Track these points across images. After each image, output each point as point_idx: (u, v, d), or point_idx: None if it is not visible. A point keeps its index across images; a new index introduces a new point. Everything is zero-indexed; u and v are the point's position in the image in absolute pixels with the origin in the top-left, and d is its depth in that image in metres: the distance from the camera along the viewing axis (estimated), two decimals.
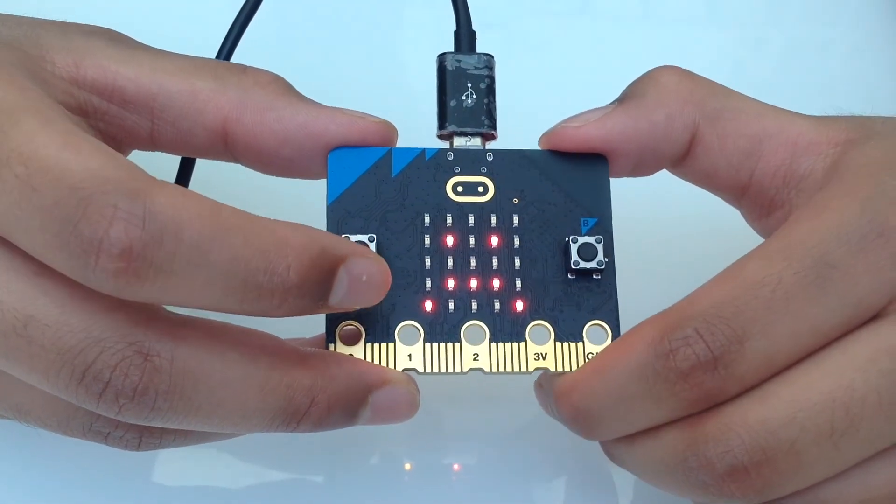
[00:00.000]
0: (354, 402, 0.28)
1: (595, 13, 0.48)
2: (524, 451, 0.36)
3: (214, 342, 0.26)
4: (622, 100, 0.31)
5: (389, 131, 0.30)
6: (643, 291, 0.32)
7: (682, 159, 0.32)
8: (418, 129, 0.32)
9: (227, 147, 0.30)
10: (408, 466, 0.36)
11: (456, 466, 0.37)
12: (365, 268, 0.27)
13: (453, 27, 0.32)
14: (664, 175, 0.33)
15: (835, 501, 0.27)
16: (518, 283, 0.30)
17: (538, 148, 0.31)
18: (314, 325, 0.30)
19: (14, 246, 0.25)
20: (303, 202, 0.34)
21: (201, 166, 0.33)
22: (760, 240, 0.31)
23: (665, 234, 0.40)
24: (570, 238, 0.30)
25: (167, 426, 0.26)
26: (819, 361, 0.27)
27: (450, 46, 0.32)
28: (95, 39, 0.30)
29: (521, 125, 0.32)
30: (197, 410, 0.26)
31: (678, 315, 0.27)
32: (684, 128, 0.31)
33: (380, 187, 0.30)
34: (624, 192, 0.32)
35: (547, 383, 0.30)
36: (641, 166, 0.32)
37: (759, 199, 0.31)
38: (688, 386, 0.27)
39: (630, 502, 0.36)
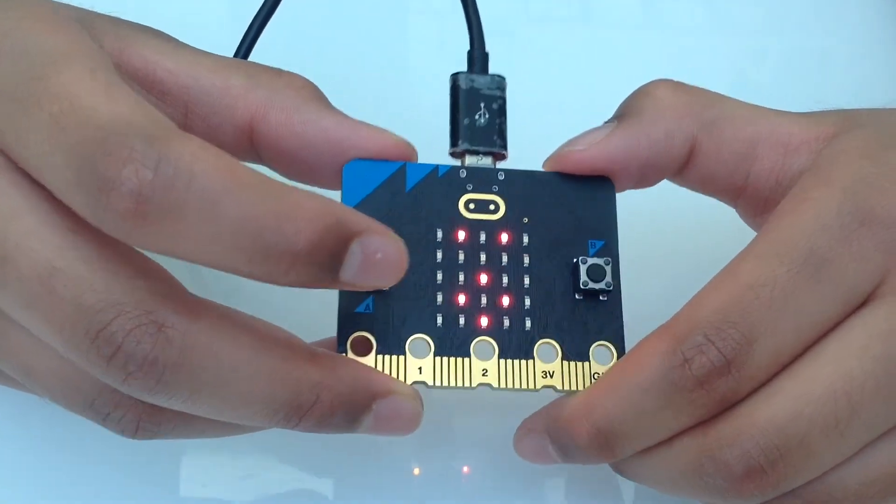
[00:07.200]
0: (358, 406, 0.28)
1: (596, 21, 0.49)
2: None
3: (229, 324, 0.27)
4: (620, 118, 0.32)
5: (408, 151, 0.31)
6: (640, 304, 0.32)
7: (682, 169, 0.32)
8: (426, 146, 0.32)
9: (253, 146, 0.31)
10: (416, 472, 0.37)
11: (465, 469, 0.37)
12: (381, 245, 0.26)
13: (461, 41, 0.32)
14: (660, 187, 0.33)
15: (838, 485, 0.28)
16: (527, 301, 0.30)
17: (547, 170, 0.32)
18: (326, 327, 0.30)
19: (54, 198, 0.26)
20: None
21: None
22: None
23: (658, 246, 0.41)
24: (580, 259, 0.31)
25: (170, 405, 0.26)
26: (817, 354, 0.28)
27: (458, 62, 0.32)
28: (142, 32, 0.30)
29: (520, 131, 0.32)
30: (201, 389, 0.26)
31: (685, 324, 0.28)
32: (684, 141, 0.31)
33: (393, 201, 0.31)
34: (623, 208, 0.32)
35: (541, 421, 0.30)
36: (643, 181, 0.32)
37: (754, 199, 0.32)
38: (704, 392, 0.27)
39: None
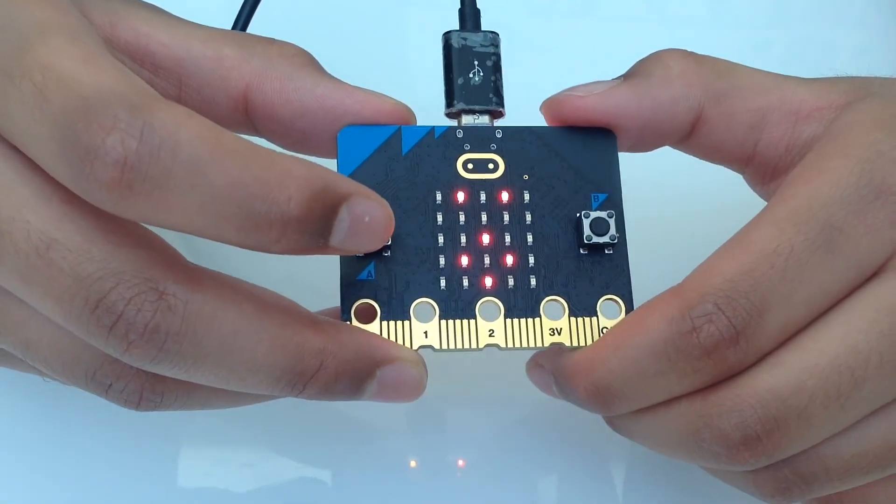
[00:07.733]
0: (362, 373, 0.28)
1: (599, 14, 0.48)
2: (528, 445, 0.36)
3: (231, 292, 0.26)
4: (628, 76, 0.31)
5: (406, 115, 0.30)
6: (650, 264, 0.32)
7: (686, 138, 0.32)
8: (423, 109, 0.31)
9: (248, 116, 0.30)
10: (413, 464, 0.36)
11: (461, 462, 0.37)
12: (368, 208, 0.26)
13: (456, 5, 0.32)
14: (668, 149, 0.33)
15: (832, 455, 0.28)
16: (531, 259, 0.30)
17: (546, 124, 0.31)
18: (328, 298, 0.30)
19: (45, 173, 0.25)
20: None
21: None
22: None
23: (668, 208, 0.40)
24: (582, 213, 0.30)
25: (173, 374, 0.26)
26: (823, 325, 0.28)
27: (454, 22, 0.32)
28: (133, 5, 0.30)
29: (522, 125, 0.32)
30: (205, 358, 0.26)
31: (696, 290, 0.27)
32: (688, 110, 0.31)
33: (390, 165, 0.30)
34: (628, 165, 0.32)
35: (549, 362, 0.30)
36: (642, 143, 0.32)
37: (763, 167, 0.32)
38: (710, 361, 0.27)
39: (630, 495, 0.36)
